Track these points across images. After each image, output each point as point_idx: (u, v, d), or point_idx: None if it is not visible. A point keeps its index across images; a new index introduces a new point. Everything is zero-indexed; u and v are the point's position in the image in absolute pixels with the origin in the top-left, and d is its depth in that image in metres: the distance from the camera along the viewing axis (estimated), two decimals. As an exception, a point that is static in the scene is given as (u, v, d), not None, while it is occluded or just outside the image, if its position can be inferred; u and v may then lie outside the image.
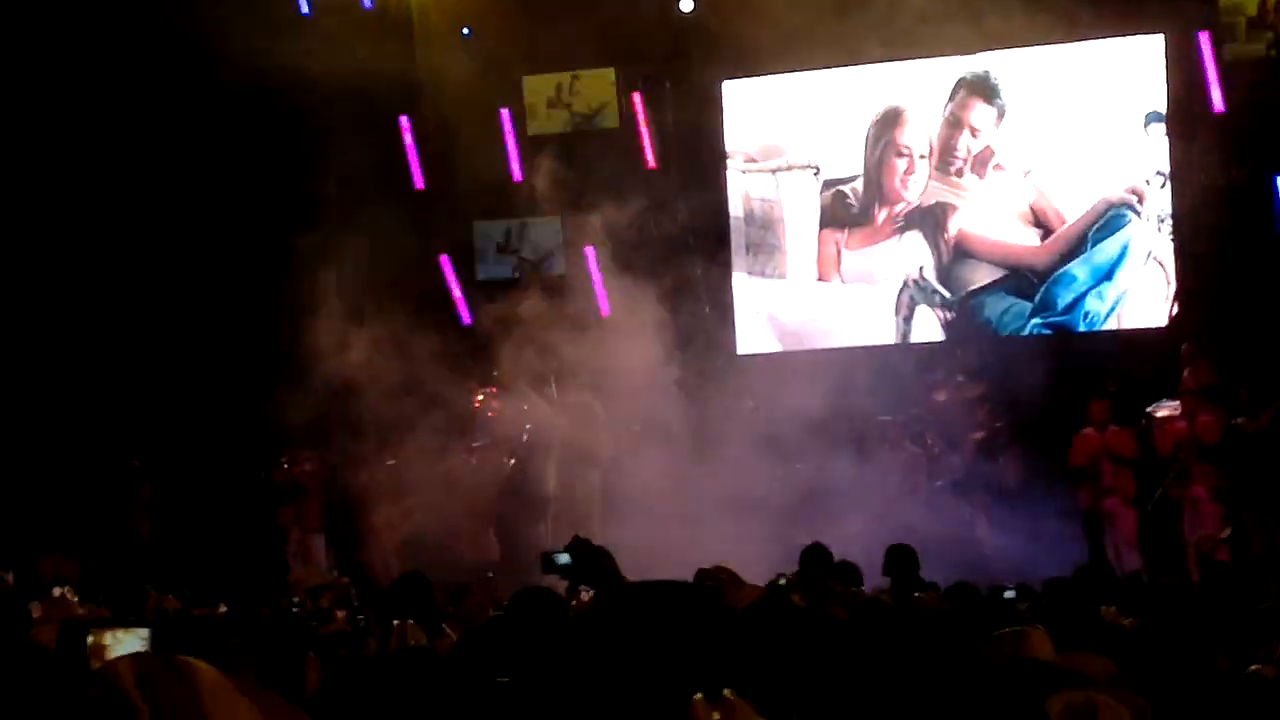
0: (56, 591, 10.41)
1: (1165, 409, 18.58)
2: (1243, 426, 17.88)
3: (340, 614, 11.32)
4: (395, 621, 7.97)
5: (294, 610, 11.07)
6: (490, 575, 16.19)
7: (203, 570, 16.04)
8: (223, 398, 20.91)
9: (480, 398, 20.72)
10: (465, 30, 21.29)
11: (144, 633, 5.96)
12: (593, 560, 5.75)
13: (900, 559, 12.28)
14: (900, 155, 21.12)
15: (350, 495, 20.35)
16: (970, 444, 19.40)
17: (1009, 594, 10.64)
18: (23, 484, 20.15)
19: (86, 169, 21.64)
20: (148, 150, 21.88)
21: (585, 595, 10.63)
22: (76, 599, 10.44)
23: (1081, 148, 20.43)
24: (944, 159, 20.92)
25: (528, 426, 20.68)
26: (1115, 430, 18.67)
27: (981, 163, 20.74)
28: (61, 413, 21.15)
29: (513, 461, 20.40)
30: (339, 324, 19.89)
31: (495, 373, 20.67)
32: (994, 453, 19.28)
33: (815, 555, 11.55)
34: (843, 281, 21.47)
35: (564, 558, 6.05)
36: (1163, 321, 20.08)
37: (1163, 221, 20.15)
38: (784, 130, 21.86)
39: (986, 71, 20.81)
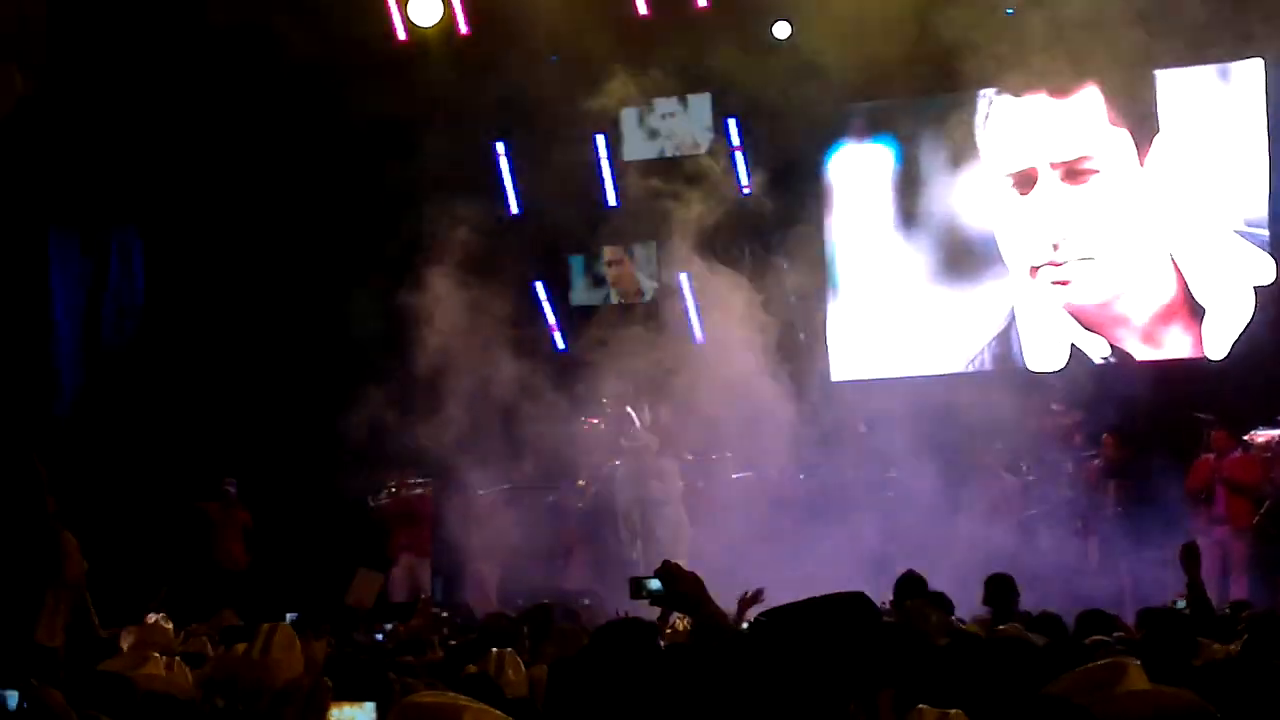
0: (151, 618, 10.49)
1: (1263, 436, 18.37)
2: None
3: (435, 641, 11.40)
4: (494, 649, 7.96)
5: (379, 639, 11.16)
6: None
7: (305, 597, 16.11)
8: (325, 424, 21.03)
9: (588, 424, 20.74)
10: (553, 57, 21.31)
11: (370, 707, 6.01)
12: (683, 586, 5.71)
13: (1000, 588, 12.18)
14: (1008, 185, 21.00)
15: (454, 524, 20.36)
16: (1066, 472, 19.26)
17: (1180, 604, 10.50)
18: (123, 508, 20.33)
19: (198, 193, 21.98)
20: (254, 178, 22.12)
21: (680, 624, 10.64)
22: (171, 625, 10.52)
23: (1186, 174, 20.25)
24: (1027, 182, 20.81)
25: (626, 450, 20.69)
26: (1234, 457, 18.44)
27: (1088, 189, 20.61)
28: (162, 438, 21.35)
29: (603, 492, 20.40)
30: (437, 350, 19.99)
31: (604, 400, 20.68)
32: (1102, 481, 19.12)
33: (909, 584, 11.46)
34: (929, 310, 21.39)
35: (654, 583, 5.99)
36: (1246, 349, 19.87)
37: (1249, 250, 19.95)
38: (879, 159, 21.82)
39: (1097, 98, 20.65)
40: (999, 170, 21.06)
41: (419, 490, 20.55)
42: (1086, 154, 20.57)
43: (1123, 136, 20.43)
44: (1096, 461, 19.25)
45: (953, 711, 4.18)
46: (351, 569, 18.92)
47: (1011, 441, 19.63)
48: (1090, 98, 20.50)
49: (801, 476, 19.91)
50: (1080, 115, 20.56)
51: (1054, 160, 20.71)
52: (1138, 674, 5.20)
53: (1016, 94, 20.62)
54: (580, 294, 23.01)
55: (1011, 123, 20.98)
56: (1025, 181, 20.85)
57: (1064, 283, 20.66)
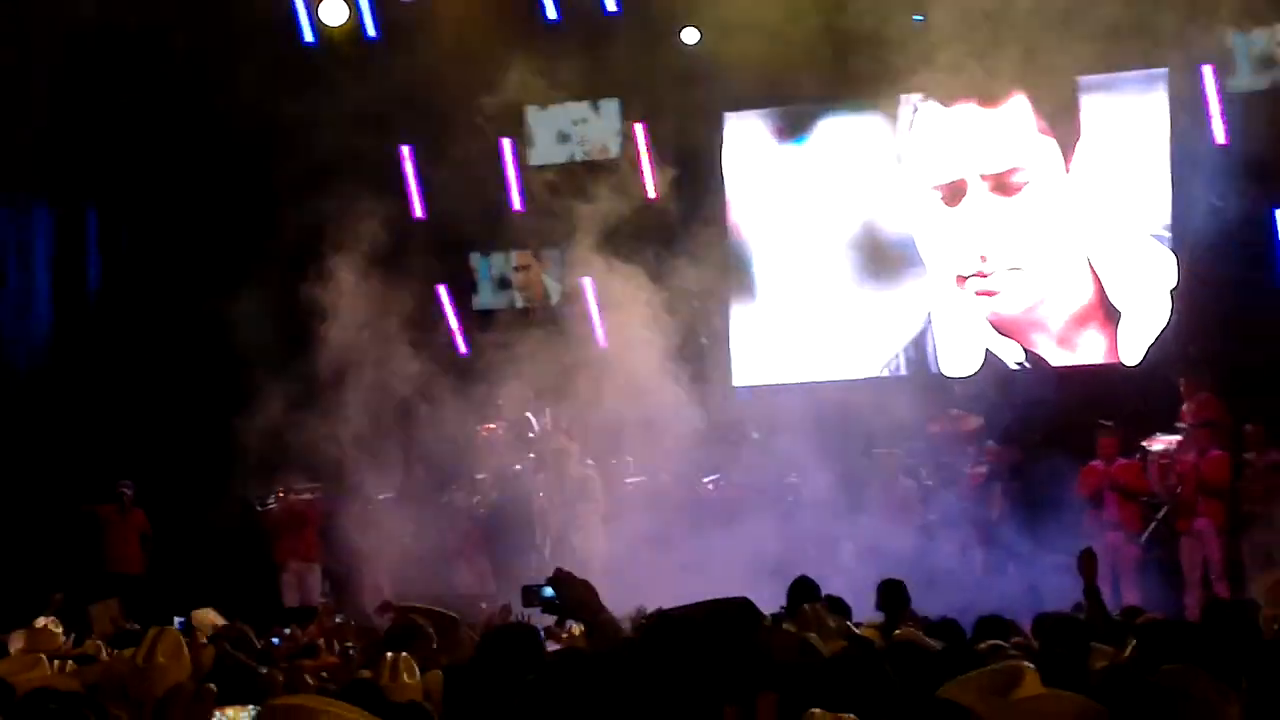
0: (40, 622, 10.34)
1: (1160, 442, 18.52)
2: (1252, 462, 17.81)
3: (324, 647, 11.30)
4: (388, 654, 7.88)
5: (275, 642, 11.07)
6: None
7: (197, 601, 15.94)
8: (217, 428, 20.85)
9: (486, 429, 20.67)
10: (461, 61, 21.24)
11: (253, 709, 5.95)
12: (574, 593, 5.68)
13: (893, 594, 12.16)
14: (935, 196, 21.06)
15: (346, 528, 20.20)
16: (965, 477, 19.32)
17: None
18: (14, 512, 20.12)
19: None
20: (151, 176, 21.94)
21: (576, 629, 10.57)
22: (60, 629, 10.37)
23: (1087, 181, 20.39)
24: (956, 194, 20.89)
25: (530, 457, 20.64)
26: (1123, 463, 18.56)
27: (1017, 199, 20.71)
28: (55, 442, 21.11)
29: (506, 495, 20.31)
30: (336, 352, 19.87)
31: (500, 403, 20.62)
32: (989, 486, 19.19)
33: (802, 589, 11.43)
34: (841, 314, 21.42)
35: (548, 591, 5.99)
36: (1160, 355, 20.03)
37: (1164, 255, 20.11)
38: (787, 162, 21.83)
39: (1026, 107, 20.77)
40: (925, 180, 21.11)
41: (306, 495, 20.38)
42: (1017, 165, 20.67)
43: (1050, 145, 20.53)
44: (981, 468, 19.33)
45: (845, 716, 4.17)
46: (241, 573, 18.84)
47: (913, 447, 19.71)
48: (1019, 107, 20.61)
49: (701, 481, 19.87)
50: (1009, 125, 20.68)
51: (984, 172, 20.78)
52: (1032, 679, 5.18)
53: (943, 102, 20.66)
54: (484, 297, 22.90)
55: (939, 132, 21.04)
56: (954, 193, 20.92)
57: (991, 293, 20.73)
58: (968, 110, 20.74)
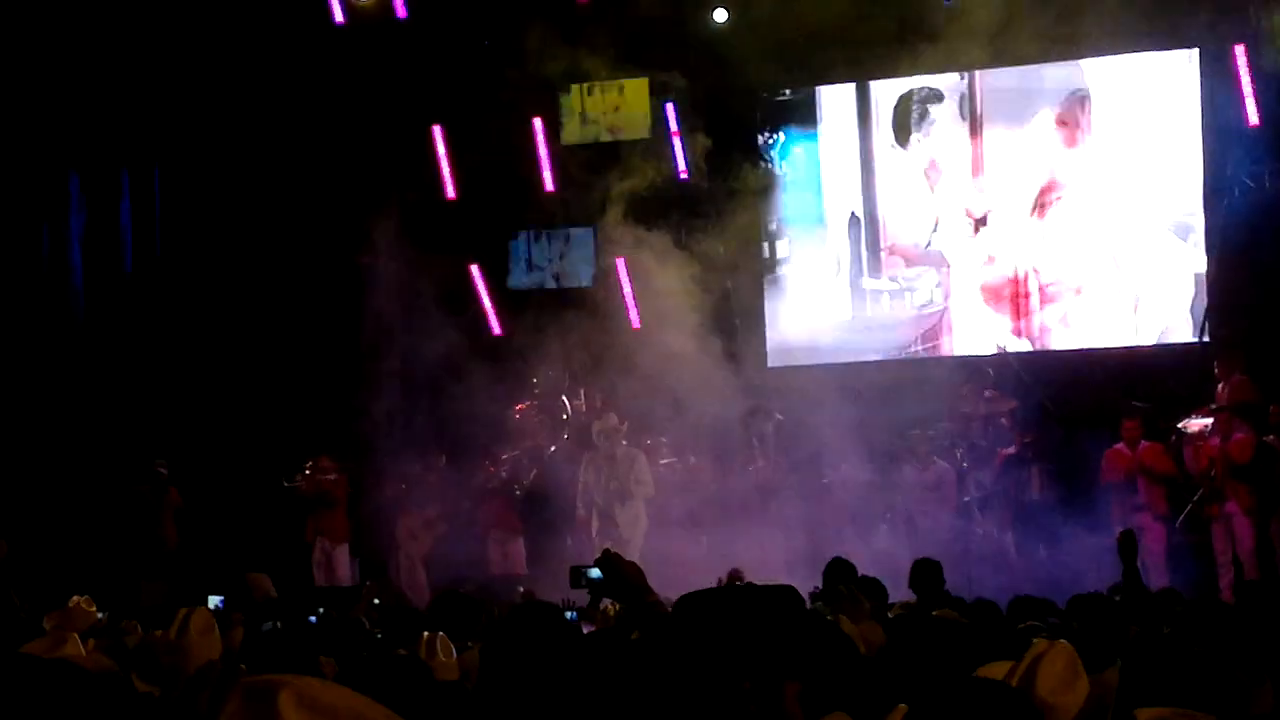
0: (73, 600, 10.36)
1: (1196, 425, 18.44)
2: (1274, 444, 17.75)
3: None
4: (425, 634, 7.88)
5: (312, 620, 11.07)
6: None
7: (230, 579, 15.97)
8: (251, 405, 20.91)
9: (520, 409, 20.67)
10: (485, 41, 21.26)
11: None
12: (623, 575, 5.68)
13: (926, 574, 12.15)
14: (941, 170, 21.02)
15: (377, 507, 20.23)
16: (1000, 459, 19.28)
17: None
18: (50, 490, 20.17)
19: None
20: (184, 144, 21.95)
21: (611, 609, 10.57)
22: (94, 608, 10.39)
23: (1117, 162, 20.35)
24: (983, 173, 20.87)
25: (564, 438, 20.63)
26: (1148, 446, 18.48)
27: (1022, 179, 20.69)
28: (89, 419, 21.18)
29: (537, 473, 20.26)
30: (371, 332, 19.91)
31: (534, 382, 20.64)
32: (1024, 468, 19.15)
33: (839, 570, 11.42)
34: (878, 296, 21.40)
35: (594, 572, 6.00)
36: (1196, 337, 19.96)
37: (1198, 235, 20.04)
38: (823, 143, 21.80)
39: (1028, 85, 20.74)
40: (954, 199, 21.08)
41: (333, 475, 20.27)
42: (1050, 186, 20.63)
43: (1079, 154, 20.50)
44: (1014, 450, 19.27)
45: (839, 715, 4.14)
46: (273, 551, 18.83)
47: (947, 429, 19.67)
48: (1044, 121, 20.61)
49: (735, 463, 19.84)
50: (1040, 142, 20.65)
51: (1016, 197, 20.81)
52: (1070, 657, 5.16)
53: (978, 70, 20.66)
54: (517, 278, 22.89)
55: (971, 154, 21.08)
56: (982, 218, 20.96)
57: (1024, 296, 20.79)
58: (998, 134, 20.75)
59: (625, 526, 18.83)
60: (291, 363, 20.51)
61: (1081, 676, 5.20)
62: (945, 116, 21.14)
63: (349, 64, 20.99)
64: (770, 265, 21.99)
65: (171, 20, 20.67)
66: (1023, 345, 20.76)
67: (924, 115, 21.26)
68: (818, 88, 21.89)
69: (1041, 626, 8.68)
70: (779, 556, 15.63)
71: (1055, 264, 20.62)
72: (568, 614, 8.98)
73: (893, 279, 21.37)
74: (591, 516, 19.13)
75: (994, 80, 20.89)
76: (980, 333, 20.95)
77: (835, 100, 21.82)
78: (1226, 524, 17.79)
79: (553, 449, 20.55)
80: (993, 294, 20.91)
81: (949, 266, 21.08)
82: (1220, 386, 18.48)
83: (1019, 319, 20.81)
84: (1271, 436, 17.84)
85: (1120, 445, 18.57)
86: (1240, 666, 5.01)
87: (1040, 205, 20.67)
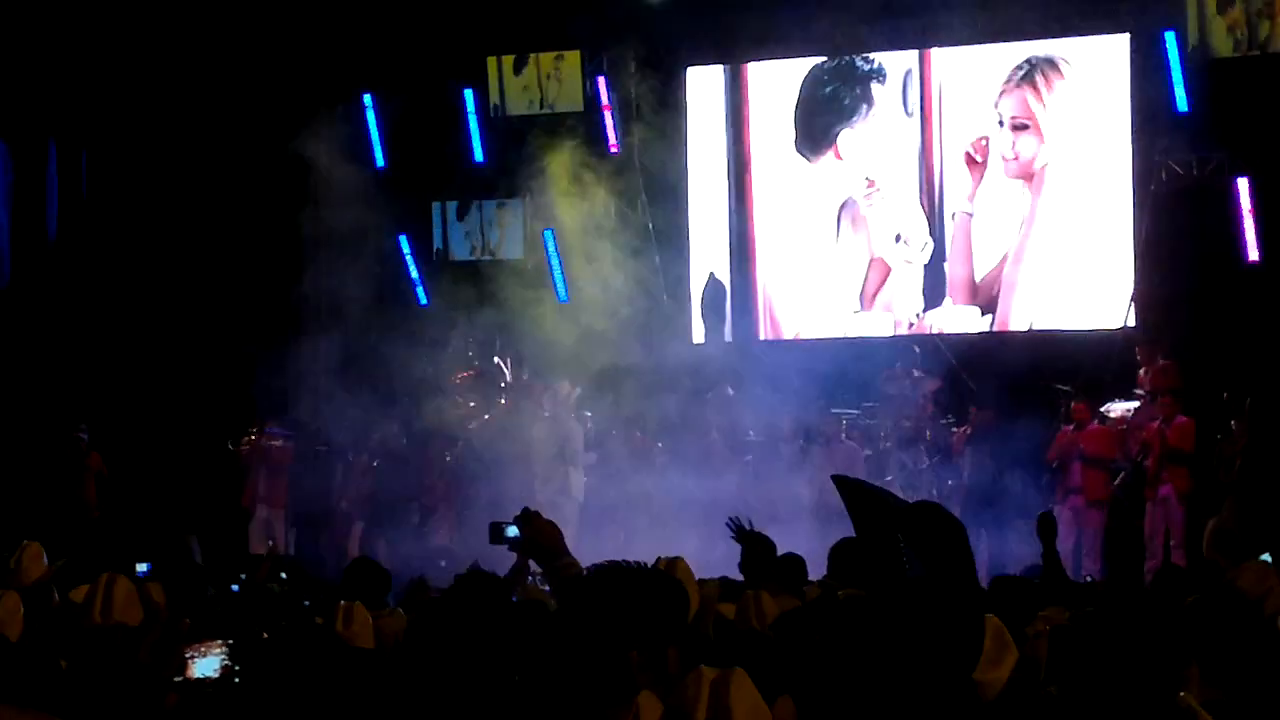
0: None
1: (1118, 409, 18.54)
2: (1232, 441, 17.63)
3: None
4: (342, 602, 7.88)
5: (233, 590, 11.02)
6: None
7: (158, 545, 15.91)
8: (186, 371, 20.80)
9: (458, 378, 20.60)
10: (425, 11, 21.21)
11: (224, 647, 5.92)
12: (538, 533, 5.72)
13: (844, 556, 12.12)
14: (880, 138, 21.03)
15: (312, 477, 20.17)
16: (925, 440, 19.32)
17: None
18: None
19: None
20: (114, 111, 21.75)
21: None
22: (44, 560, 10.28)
23: (1046, 148, 20.40)
24: (920, 153, 20.90)
25: (501, 403, 20.56)
26: (1093, 429, 18.52)
27: (952, 160, 20.75)
28: (10, 383, 20.99)
29: (477, 445, 20.19)
30: (300, 299, 19.84)
31: (468, 353, 20.60)
32: (954, 450, 19.20)
33: (758, 546, 11.40)
34: (803, 272, 21.40)
35: (512, 530, 6.06)
36: (1123, 322, 20.03)
37: (1125, 221, 20.11)
38: (758, 118, 21.76)
39: (952, 66, 20.81)
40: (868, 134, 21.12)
41: (279, 441, 20.25)
42: (982, 169, 20.73)
43: (1009, 137, 20.58)
44: (965, 429, 19.29)
45: (735, 670, 4.27)
46: (208, 518, 18.70)
47: (872, 408, 19.70)
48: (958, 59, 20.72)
49: (657, 440, 19.81)
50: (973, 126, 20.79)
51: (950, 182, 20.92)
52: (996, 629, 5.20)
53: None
54: (449, 249, 22.78)
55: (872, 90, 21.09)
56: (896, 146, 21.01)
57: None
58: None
59: (566, 493, 18.89)
60: (224, 331, 20.38)
61: (1010, 649, 5.23)
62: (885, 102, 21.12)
63: (282, 30, 20.87)
64: (698, 240, 21.91)
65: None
66: (961, 324, 20.76)
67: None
68: (749, 61, 21.80)
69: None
70: (703, 532, 15.62)
71: (984, 247, 20.65)
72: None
73: (836, 252, 21.30)
74: (533, 486, 19.10)
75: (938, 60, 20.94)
76: (914, 311, 20.93)
77: (781, 73, 21.70)
78: (1162, 507, 17.82)
79: (487, 417, 20.42)
80: (924, 275, 20.92)
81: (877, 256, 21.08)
82: (1142, 371, 18.56)
83: (951, 301, 20.82)
84: (1233, 435, 17.73)
85: (1068, 427, 18.62)
86: (1157, 649, 5.04)
87: (971, 188, 20.69)
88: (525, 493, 18.70)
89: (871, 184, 20.92)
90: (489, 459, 19.54)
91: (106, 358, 21.33)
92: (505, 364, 20.82)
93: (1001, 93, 20.54)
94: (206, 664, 5.81)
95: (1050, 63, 20.45)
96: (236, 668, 5.44)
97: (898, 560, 4.66)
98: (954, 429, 19.41)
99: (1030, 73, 20.48)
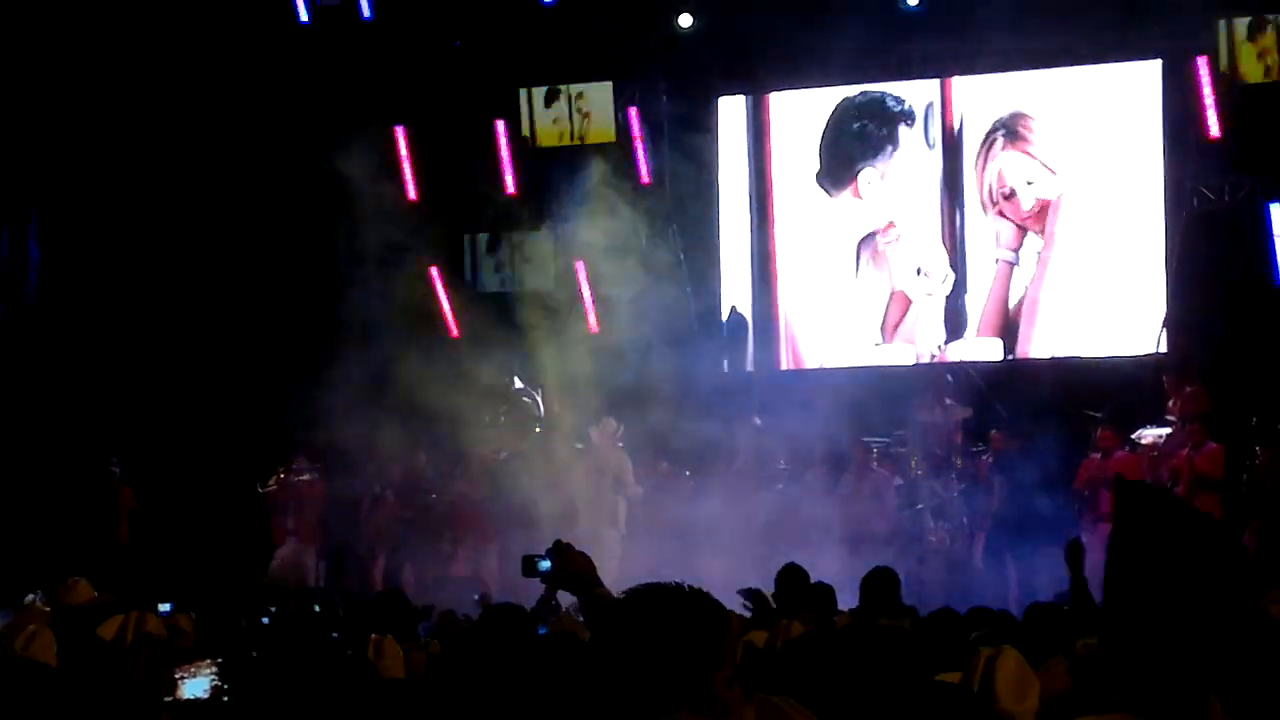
0: (29, 598, 10.34)
1: (1149, 436, 18.47)
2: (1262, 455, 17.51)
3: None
4: (373, 635, 7.90)
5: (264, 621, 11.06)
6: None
7: (185, 578, 15.95)
8: (215, 404, 20.85)
9: (488, 414, 20.58)
10: (457, 42, 21.27)
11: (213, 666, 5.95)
12: (572, 565, 5.74)
13: (877, 584, 12.10)
14: (902, 177, 21.03)
15: (346, 510, 20.21)
16: (955, 468, 19.27)
17: None
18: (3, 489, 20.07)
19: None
20: (152, 159, 21.84)
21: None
22: (49, 608, 10.35)
23: (1076, 172, 20.39)
24: (950, 181, 20.89)
25: (533, 435, 20.54)
26: (1122, 457, 18.43)
27: (980, 184, 20.73)
28: (42, 416, 21.06)
29: (511, 479, 20.14)
30: (330, 330, 19.88)
31: (504, 384, 20.58)
32: (980, 477, 19.15)
33: (791, 576, 11.42)
34: (832, 301, 21.40)
35: (545, 563, 6.06)
36: (1154, 348, 19.98)
37: (1157, 247, 20.07)
38: (782, 148, 21.77)
39: (986, 96, 20.82)
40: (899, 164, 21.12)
41: (307, 477, 20.29)
42: (1013, 197, 20.68)
43: (1040, 165, 20.57)
44: (986, 458, 19.25)
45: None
46: (236, 553, 18.74)
47: (904, 436, 19.66)
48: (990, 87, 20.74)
49: (690, 470, 19.82)
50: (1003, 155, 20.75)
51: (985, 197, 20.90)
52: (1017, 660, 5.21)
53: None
54: (480, 280, 22.81)
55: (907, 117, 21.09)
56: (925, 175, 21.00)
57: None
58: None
59: (614, 524, 18.92)
60: (253, 361, 20.43)
61: (1033, 679, 5.24)
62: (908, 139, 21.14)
63: (313, 64, 20.97)
64: (729, 269, 21.94)
65: (141, 18, 20.62)
66: (982, 355, 20.74)
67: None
68: (781, 90, 21.83)
69: (989, 635, 8.69)
70: (734, 562, 15.61)
71: (1017, 275, 20.63)
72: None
73: (849, 284, 21.33)
74: (576, 516, 19.06)
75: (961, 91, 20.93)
76: (935, 341, 20.93)
77: (809, 106, 21.74)
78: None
79: (523, 450, 20.38)
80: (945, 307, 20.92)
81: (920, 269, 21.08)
82: (1171, 398, 18.47)
83: (980, 330, 20.80)
84: (1261, 461, 17.63)
85: (1095, 454, 18.55)
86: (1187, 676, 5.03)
87: (1001, 214, 20.68)
88: (566, 525, 18.78)
89: (891, 225, 20.95)
90: (523, 491, 19.51)
91: (135, 386, 21.38)
92: (538, 396, 20.79)
93: (987, 161, 20.58)
94: (196, 685, 5.84)
95: (1015, 120, 20.51)
96: (226, 688, 5.46)
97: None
98: (978, 456, 19.37)
99: (1008, 135, 20.55)
